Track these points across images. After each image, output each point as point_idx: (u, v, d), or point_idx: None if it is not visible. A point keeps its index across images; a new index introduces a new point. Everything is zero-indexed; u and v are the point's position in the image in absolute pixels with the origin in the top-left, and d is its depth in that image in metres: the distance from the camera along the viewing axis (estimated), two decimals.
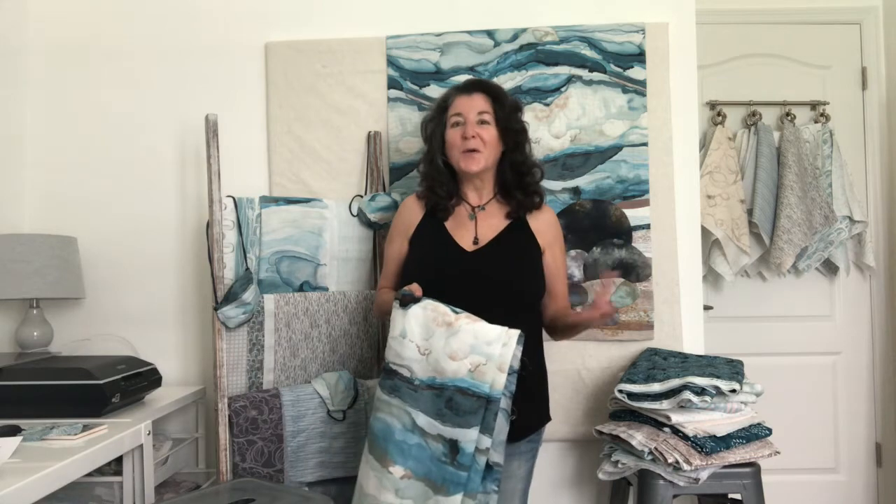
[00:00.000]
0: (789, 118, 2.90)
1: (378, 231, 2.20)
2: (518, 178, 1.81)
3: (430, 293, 1.61)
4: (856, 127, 2.97)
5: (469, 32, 2.27)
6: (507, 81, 2.21)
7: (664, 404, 1.84)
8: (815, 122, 2.91)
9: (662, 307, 2.20)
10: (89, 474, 1.55)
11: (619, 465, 1.90)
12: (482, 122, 1.76)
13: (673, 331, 2.20)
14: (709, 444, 1.78)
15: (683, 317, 2.21)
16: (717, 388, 1.81)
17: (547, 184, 2.16)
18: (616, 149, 2.21)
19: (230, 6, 2.33)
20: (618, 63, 2.22)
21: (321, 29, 2.31)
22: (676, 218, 2.21)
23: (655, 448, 1.80)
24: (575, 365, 2.20)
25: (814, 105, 2.93)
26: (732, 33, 2.95)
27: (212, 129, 1.94)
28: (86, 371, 1.72)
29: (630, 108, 2.21)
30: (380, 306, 1.89)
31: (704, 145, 2.86)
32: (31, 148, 2.36)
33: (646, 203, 2.20)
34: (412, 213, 1.86)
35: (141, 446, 1.71)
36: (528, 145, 1.86)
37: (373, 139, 2.25)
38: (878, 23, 2.95)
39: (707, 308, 2.71)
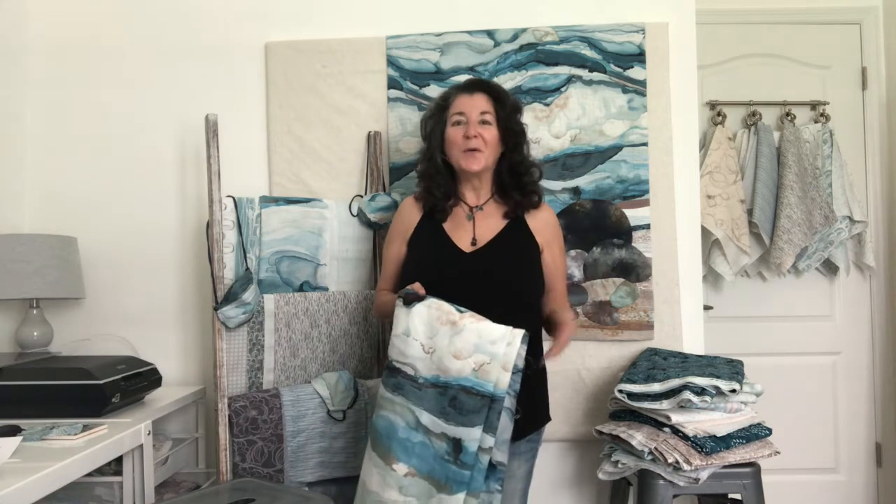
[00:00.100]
0: (789, 118, 2.90)
1: (378, 231, 2.20)
2: (516, 178, 1.82)
3: (429, 294, 1.61)
4: (856, 127, 2.97)
5: (469, 32, 2.27)
6: (507, 81, 2.21)
7: (664, 404, 1.84)
8: (815, 122, 2.91)
9: (662, 307, 2.20)
10: (89, 474, 1.55)
11: (619, 465, 1.90)
12: (484, 122, 1.76)
13: (673, 331, 2.20)
14: (709, 444, 1.78)
15: (683, 317, 2.21)
16: (717, 388, 1.82)
17: (547, 184, 2.17)
18: (616, 149, 2.21)
19: (230, 6, 2.33)
20: (618, 63, 2.22)
21: (321, 29, 2.31)
22: (676, 218, 2.21)
23: (655, 448, 1.80)
24: (575, 365, 2.20)
25: (814, 105, 2.93)
26: (732, 33, 2.95)
27: (212, 129, 1.95)
28: (86, 371, 1.72)
29: (630, 108, 2.21)
30: (380, 308, 1.89)
31: (704, 145, 2.86)
32: (31, 148, 2.36)
33: (646, 203, 2.20)
34: (410, 215, 1.86)
35: (141, 446, 1.71)
36: (527, 146, 1.86)
37: (373, 139, 2.25)
38: (878, 23, 2.95)
39: (707, 308, 2.71)
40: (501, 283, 1.71)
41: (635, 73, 2.22)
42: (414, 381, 1.57)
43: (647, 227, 2.19)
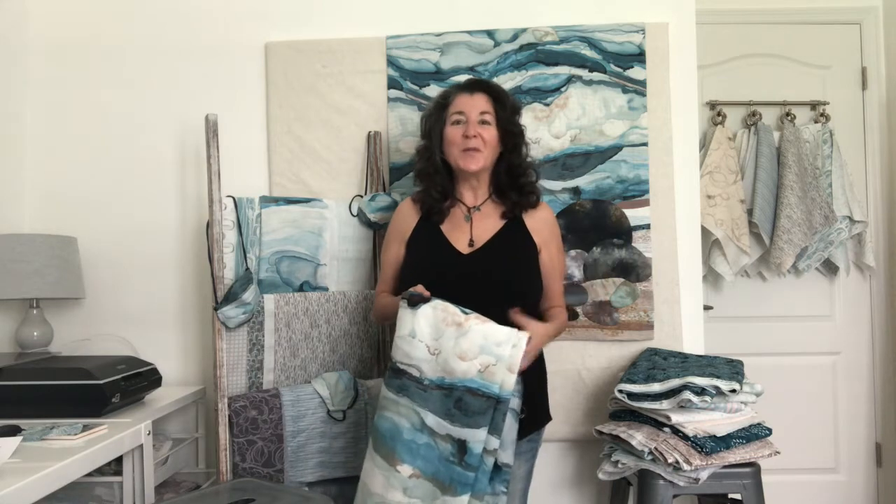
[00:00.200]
0: (789, 118, 2.90)
1: (378, 231, 2.20)
2: (513, 179, 1.82)
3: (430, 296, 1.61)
4: (856, 127, 2.97)
5: (469, 32, 2.27)
6: (507, 81, 2.21)
7: (664, 404, 1.84)
8: (815, 122, 2.91)
9: (662, 307, 2.20)
10: (89, 474, 1.55)
11: (619, 465, 1.90)
12: (483, 122, 1.77)
13: (673, 331, 2.20)
14: (709, 444, 1.78)
15: (683, 317, 2.21)
16: (717, 388, 1.81)
17: (547, 184, 2.17)
18: (616, 149, 2.21)
19: (230, 6, 2.33)
20: (618, 63, 2.22)
21: (321, 29, 2.31)
22: (676, 218, 2.21)
23: (655, 448, 1.80)
24: (575, 365, 2.20)
25: (814, 105, 2.93)
26: (732, 33, 2.95)
27: (212, 129, 1.94)
28: (86, 371, 1.72)
29: (630, 108, 2.21)
30: (379, 310, 1.88)
31: (704, 145, 2.86)
32: (31, 148, 2.36)
33: (646, 203, 2.20)
34: (408, 217, 1.86)
35: (141, 446, 1.71)
36: (526, 147, 1.86)
37: (373, 139, 2.25)
38: (878, 23, 2.95)
39: (707, 308, 2.71)
40: (499, 284, 1.71)
41: (635, 73, 2.22)
42: (419, 383, 1.57)
43: (647, 227, 2.19)
